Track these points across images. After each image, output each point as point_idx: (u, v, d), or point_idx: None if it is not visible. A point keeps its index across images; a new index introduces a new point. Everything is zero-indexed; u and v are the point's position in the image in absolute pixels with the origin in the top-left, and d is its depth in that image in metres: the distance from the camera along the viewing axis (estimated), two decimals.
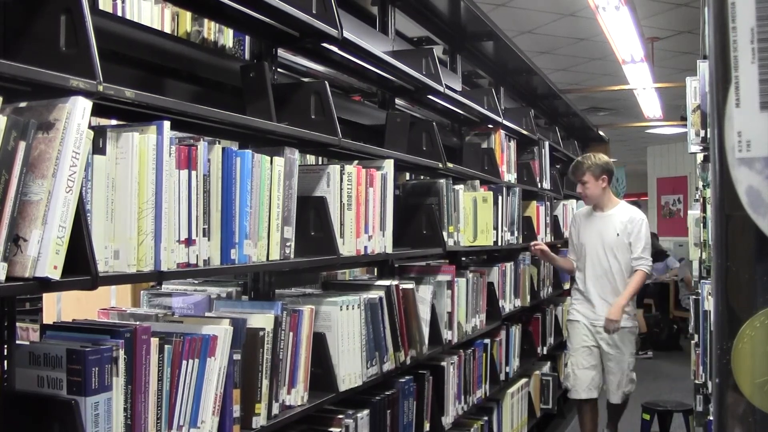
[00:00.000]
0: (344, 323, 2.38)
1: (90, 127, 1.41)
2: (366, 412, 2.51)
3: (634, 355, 4.27)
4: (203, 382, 1.74)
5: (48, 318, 3.45)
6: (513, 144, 4.61)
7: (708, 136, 2.63)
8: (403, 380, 2.80)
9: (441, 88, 3.21)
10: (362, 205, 2.47)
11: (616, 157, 9.67)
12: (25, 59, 1.38)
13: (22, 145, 1.30)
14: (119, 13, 2.77)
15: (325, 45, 2.43)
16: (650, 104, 9.07)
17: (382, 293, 2.64)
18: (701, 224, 4.02)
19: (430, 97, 3.40)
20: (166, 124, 1.62)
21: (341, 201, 2.36)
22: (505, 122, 4.39)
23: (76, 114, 1.36)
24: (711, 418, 2.99)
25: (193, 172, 1.71)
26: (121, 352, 1.54)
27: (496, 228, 3.86)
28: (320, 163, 3.02)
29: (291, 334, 2.11)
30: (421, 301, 2.99)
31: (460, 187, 3.49)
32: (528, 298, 4.74)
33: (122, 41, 1.95)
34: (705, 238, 3.78)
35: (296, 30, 2.30)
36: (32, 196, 1.33)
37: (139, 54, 2.03)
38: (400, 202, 3.14)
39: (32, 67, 1.33)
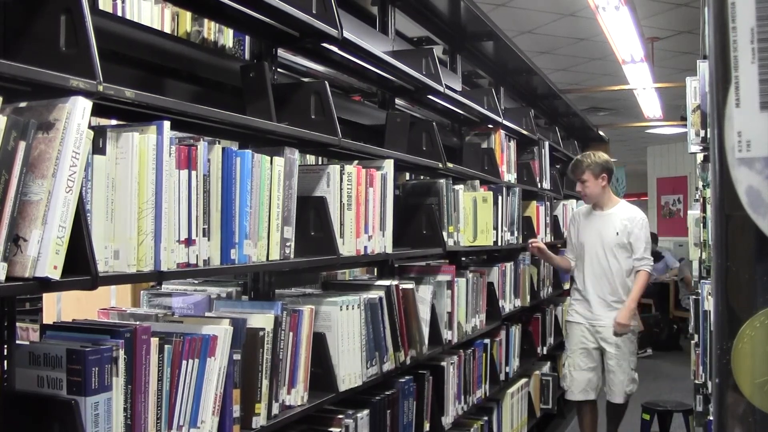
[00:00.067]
0: (344, 323, 2.38)
1: (90, 127, 1.41)
2: (366, 412, 2.51)
3: (635, 354, 4.26)
4: (203, 382, 1.74)
5: (48, 318, 3.44)
6: (513, 144, 4.61)
7: (708, 136, 2.63)
8: (403, 380, 2.80)
9: (441, 88, 3.21)
10: (362, 205, 2.47)
11: (616, 157, 9.66)
12: (25, 59, 1.38)
13: (22, 145, 1.30)
14: (119, 13, 2.77)
15: (325, 45, 2.43)
16: (650, 104, 9.07)
17: (382, 293, 2.64)
18: (701, 224, 4.02)
19: (430, 97, 3.40)
20: (166, 124, 1.62)
21: (341, 201, 2.36)
22: (505, 122, 4.39)
23: (76, 114, 1.36)
24: (711, 418, 2.99)
25: (193, 172, 1.71)
26: (121, 352, 1.54)
27: (496, 228, 3.86)
28: (320, 163, 3.02)
29: (291, 334, 2.11)
30: (421, 301, 2.99)
31: (460, 187, 3.49)
32: (528, 298, 4.74)
33: (122, 41, 1.95)
34: (705, 238, 3.78)
35: (296, 30, 2.30)
36: (32, 196, 1.33)
37: (139, 54, 2.03)
38: (400, 202, 3.14)
39: (32, 67, 1.33)
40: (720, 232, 0.85)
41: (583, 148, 7.78)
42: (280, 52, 2.49)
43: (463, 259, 4.04)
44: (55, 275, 1.33)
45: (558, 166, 6.09)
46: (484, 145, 4.25)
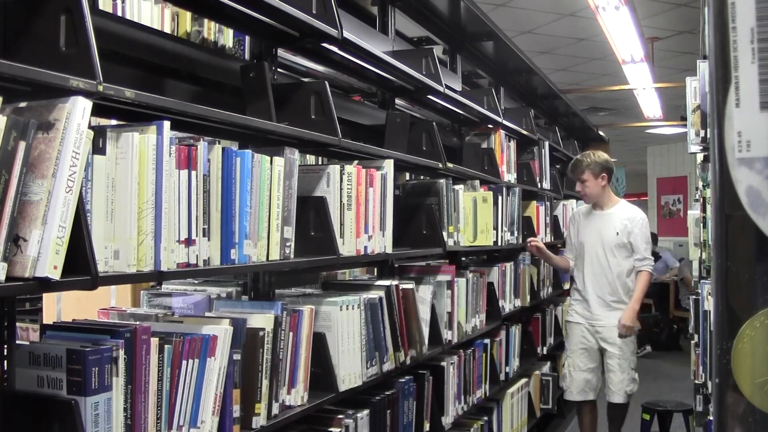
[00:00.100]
0: (344, 323, 2.38)
1: (90, 127, 1.41)
2: (366, 412, 2.51)
3: (635, 353, 4.24)
4: (203, 382, 1.74)
5: (48, 318, 3.44)
6: (513, 144, 4.61)
7: (708, 136, 2.63)
8: (403, 380, 2.80)
9: (441, 88, 3.21)
10: (362, 205, 2.47)
11: (616, 157, 9.66)
12: (25, 59, 1.38)
13: (22, 145, 1.30)
14: (119, 13, 2.77)
15: (325, 45, 2.43)
16: (650, 104, 9.07)
17: (382, 293, 2.64)
18: (701, 224, 4.01)
19: (430, 97, 3.40)
20: (166, 124, 1.62)
21: (341, 201, 2.36)
22: (505, 122, 4.39)
23: (76, 114, 1.36)
24: (711, 418, 2.99)
25: (193, 172, 1.71)
26: (121, 352, 1.54)
27: (496, 228, 3.86)
28: (320, 163, 3.02)
29: (291, 334, 2.11)
30: (421, 301, 2.99)
31: (460, 187, 3.49)
32: (528, 298, 4.74)
33: (122, 41, 1.95)
34: (705, 238, 3.78)
35: (296, 30, 2.30)
36: (32, 196, 1.33)
37: (139, 54, 2.03)
38: (400, 202, 3.14)
39: (32, 67, 1.33)
40: (720, 232, 0.85)
41: (583, 148, 7.78)
42: (280, 52, 2.49)
43: (463, 259, 4.04)
44: (55, 275, 1.33)
45: (558, 166, 6.09)
46: (484, 145, 4.25)
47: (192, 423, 1.72)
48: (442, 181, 3.26)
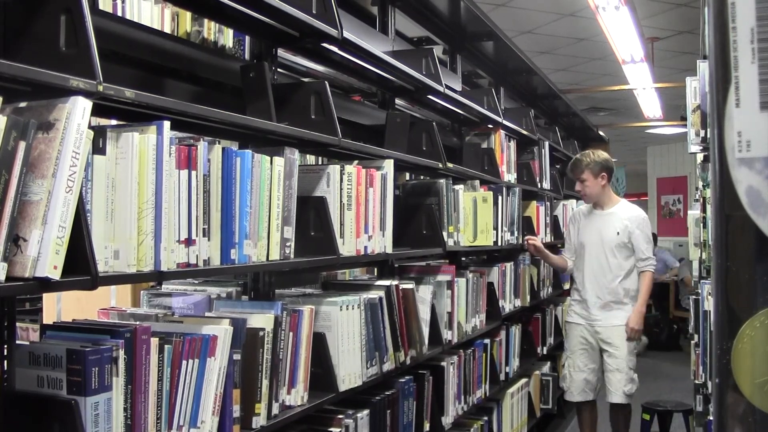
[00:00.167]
0: (344, 323, 2.38)
1: (90, 127, 1.41)
2: (366, 412, 2.51)
3: (634, 353, 4.22)
4: (203, 382, 1.74)
5: (48, 318, 3.44)
6: (513, 144, 4.61)
7: (708, 136, 2.63)
8: (403, 380, 2.80)
9: (441, 88, 3.21)
10: (362, 205, 2.47)
11: (616, 157, 9.66)
12: (25, 59, 1.38)
13: (22, 145, 1.30)
14: (119, 13, 2.77)
15: (325, 45, 2.43)
16: (650, 104, 9.07)
17: (382, 293, 2.64)
18: (701, 224, 4.01)
19: (430, 97, 3.40)
20: (166, 124, 1.62)
21: (341, 201, 2.36)
22: (505, 122, 4.39)
23: (76, 114, 1.36)
24: (711, 418, 2.99)
25: (193, 172, 1.71)
26: (121, 352, 1.54)
27: (496, 228, 3.86)
28: (320, 163, 3.02)
29: (291, 334, 2.11)
30: (421, 301, 2.99)
31: (460, 187, 3.49)
32: (528, 298, 4.73)
33: (122, 41, 1.95)
34: (705, 238, 3.78)
35: (296, 30, 2.30)
36: (32, 196, 1.33)
37: (139, 54, 2.03)
38: (400, 202, 3.14)
39: (32, 67, 1.33)
40: (720, 232, 0.85)
41: (583, 148, 7.77)
42: (280, 52, 2.49)
43: (463, 259, 4.04)
44: (55, 275, 1.33)
45: (558, 166, 6.09)
46: (484, 145, 4.25)
47: (192, 423, 1.72)
48: (442, 181, 3.26)
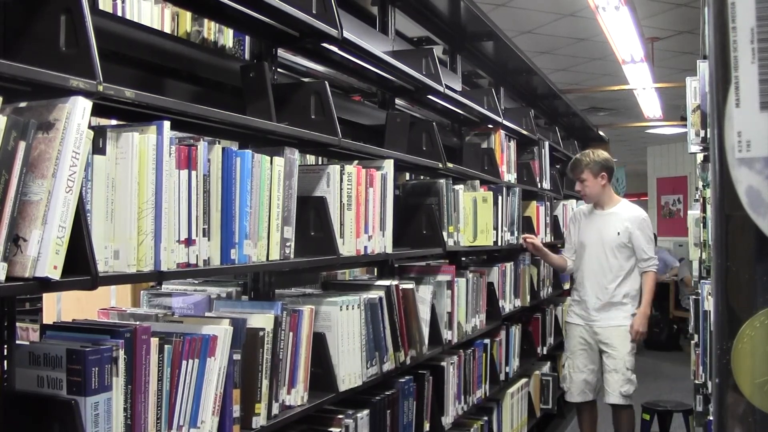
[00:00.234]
0: (344, 323, 2.38)
1: (90, 127, 1.41)
2: (366, 412, 2.51)
3: (632, 354, 4.18)
4: (203, 382, 1.74)
5: (48, 318, 3.44)
6: (513, 144, 4.61)
7: (708, 136, 2.63)
8: (403, 380, 2.80)
9: (441, 88, 3.21)
10: (362, 205, 2.47)
11: (616, 157, 9.65)
12: (25, 59, 1.38)
13: (22, 145, 1.30)
14: (119, 13, 2.77)
15: (325, 45, 2.43)
16: (650, 104, 9.07)
17: (382, 293, 2.64)
18: (701, 224, 4.01)
19: (430, 97, 3.40)
20: (166, 124, 1.62)
21: (341, 201, 2.36)
22: (505, 122, 4.39)
23: (76, 114, 1.36)
24: (711, 418, 2.99)
25: (193, 172, 1.71)
26: (121, 352, 1.54)
27: (496, 228, 3.86)
28: (320, 163, 3.02)
29: (291, 334, 2.11)
30: (421, 301, 2.99)
31: (460, 187, 3.49)
32: (528, 298, 4.73)
33: (122, 41, 1.95)
34: (705, 238, 3.77)
35: (296, 30, 2.30)
36: (32, 196, 1.33)
37: (139, 54, 2.03)
38: (400, 202, 3.14)
39: (32, 67, 1.33)
40: (720, 232, 0.84)
41: (583, 148, 7.77)
42: (280, 52, 2.49)
43: (463, 259, 4.04)
44: (55, 275, 1.33)
45: (558, 166, 6.09)
46: (484, 145, 4.25)
47: (192, 423, 1.72)
48: (442, 181, 3.26)
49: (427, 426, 2.97)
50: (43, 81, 1.34)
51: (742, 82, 0.81)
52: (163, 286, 2.53)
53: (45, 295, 3.45)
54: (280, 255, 2.05)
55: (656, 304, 9.13)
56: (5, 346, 1.51)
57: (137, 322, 1.76)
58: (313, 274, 3.03)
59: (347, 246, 2.39)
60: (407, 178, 3.77)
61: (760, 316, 0.81)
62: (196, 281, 2.53)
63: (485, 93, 4.36)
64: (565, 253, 4.55)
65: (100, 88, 1.43)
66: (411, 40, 4.04)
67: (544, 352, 5.20)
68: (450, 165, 3.28)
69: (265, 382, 1.96)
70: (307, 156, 3.02)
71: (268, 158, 1.99)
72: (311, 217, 2.27)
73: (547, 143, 5.38)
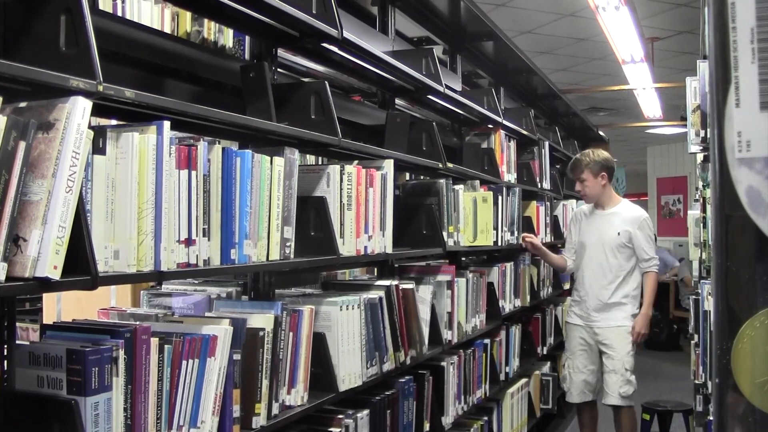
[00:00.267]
0: (344, 323, 2.38)
1: (90, 127, 1.41)
2: (366, 412, 2.51)
3: (631, 355, 4.15)
4: (203, 382, 1.74)
5: (48, 318, 3.45)
6: (513, 144, 4.61)
7: (708, 136, 2.63)
8: (403, 380, 2.80)
9: (441, 88, 3.21)
10: (362, 205, 2.47)
11: (616, 157, 9.64)
12: (25, 59, 1.38)
13: (22, 145, 1.30)
14: (119, 13, 2.77)
15: (325, 45, 2.43)
16: (650, 104, 9.07)
17: (382, 293, 2.64)
18: (701, 224, 4.01)
19: (430, 97, 3.40)
20: (166, 124, 1.62)
21: (341, 201, 2.36)
22: (505, 122, 4.39)
23: (76, 114, 1.36)
24: (711, 418, 2.99)
25: (193, 172, 1.71)
26: (121, 352, 1.54)
27: (496, 228, 3.85)
28: (320, 163, 3.02)
29: (291, 334, 2.11)
30: (421, 301, 2.99)
31: (460, 187, 3.49)
32: (528, 298, 4.73)
33: (122, 41, 1.95)
34: (705, 238, 3.77)
35: (296, 30, 2.30)
36: (32, 196, 1.33)
37: (139, 54, 2.03)
38: (400, 202, 3.14)
39: (32, 67, 1.33)
40: (720, 232, 0.84)
41: (583, 148, 7.76)
42: (280, 52, 2.49)
43: (463, 259, 4.04)
44: (55, 275, 1.33)
45: (558, 166, 6.09)
46: (484, 145, 4.25)
47: (192, 423, 1.72)
48: (442, 181, 3.26)
49: (427, 426, 2.97)
50: (43, 81, 1.34)
51: (742, 82, 0.81)
52: (163, 286, 2.53)
53: (45, 295, 3.45)
54: (280, 255, 2.05)
55: (656, 304, 9.14)
56: (5, 346, 1.51)
57: (137, 322, 1.76)
58: (313, 274, 3.03)
59: (347, 246, 2.39)
60: (407, 178, 3.77)
61: (760, 316, 0.81)
62: (196, 281, 2.53)
63: (485, 93, 4.36)
64: (566, 253, 4.54)
65: (100, 88, 1.43)
66: (411, 40, 4.04)
67: (544, 352, 5.20)
68: (450, 165, 3.28)
69: (265, 382, 1.96)
70: (307, 156, 3.02)
71: (268, 158, 1.99)
72: (311, 217, 2.27)
73: (547, 143, 5.38)
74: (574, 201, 6.12)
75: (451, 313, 3.26)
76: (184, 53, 2.22)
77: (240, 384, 1.86)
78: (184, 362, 1.70)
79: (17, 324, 1.55)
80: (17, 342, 1.54)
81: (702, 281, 3.54)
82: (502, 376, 4.11)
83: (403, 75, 2.94)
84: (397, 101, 3.50)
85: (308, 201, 2.27)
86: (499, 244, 3.95)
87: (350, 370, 2.39)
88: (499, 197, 3.94)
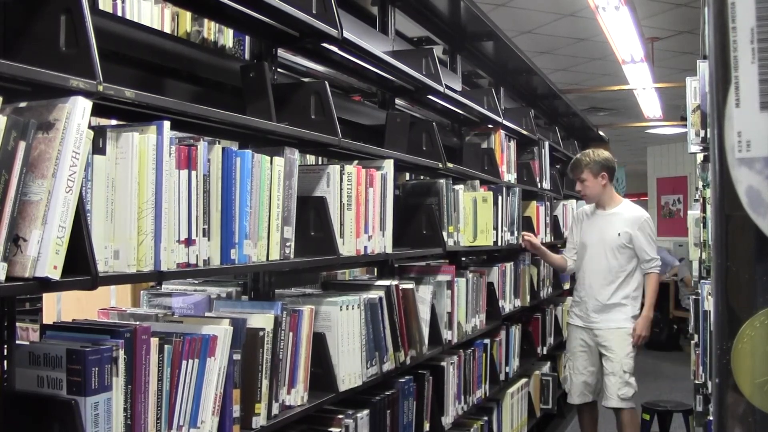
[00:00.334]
0: (344, 323, 2.38)
1: (90, 127, 1.41)
2: (366, 412, 2.51)
3: (630, 357, 4.12)
4: (203, 382, 1.74)
5: (48, 318, 3.44)
6: (513, 144, 4.61)
7: (708, 136, 2.63)
8: (403, 380, 2.80)
9: (441, 88, 3.21)
10: (362, 205, 2.47)
11: (616, 157, 9.64)
12: (25, 59, 1.38)
13: (22, 145, 1.30)
14: (119, 13, 2.77)
15: (325, 45, 2.43)
16: (650, 104, 9.07)
17: (382, 293, 2.64)
18: (701, 224, 4.00)
19: (430, 97, 3.40)
20: (166, 124, 1.62)
21: (341, 201, 2.36)
22: (505, 122, 4.39)
23: (76, 114, 1.36)
24: (711, 418, 2.99)
25: (193, 172, 1.71)
26: (121, 352, 1.54)
27: (496, 228, 3.85)
28: (320, 163, 3.02)
29: (291, 334, 2.11)
30: (421, 301, 2.99)
31: (460, 187, 3.49)
32: (528, 298, 4.73)
33: (122, 41, 1.95)
34: (705, 238, 3.77)
35: (296, 30, 2.30)
36: (32, 196, 1.33)
37: (139, 54, 2.03)
38: (400, 202, 3.14)
39: (32, 67, 1.33)
40: (720, 232, 0.84)
41: (583, 148, 7.76)
42: (280, 52, 2.49)
43: (463, 259, 4.04)
44: (55, 275, 1.33)
45: (558, 166, 6.09)
46: (484, 145, 4.25)
47: (192, 423, 1.72)
48: (442, 181, 3.26)
49: (427, 426, 2.97)
50: (43, 81, 1.34)
51: (742, 82, 0.81)
52: (163, 286, 2.53)
53: (45, 295, 3.45)
54: (280, 255, 2.05)
55: (657, 304, 9.14)
56: (5, 346, 1.51)
57: (137, 322, 1.76)
58: (313, 274, 3.03)
59: (347, 246, 2.39)
60: (407, 178, 3.77)
61: (760, 316, 0.81)
62: (196, 281, 2.53)
63: (485, 93, 4.36)
64: (566, 253, 4.53)
65: (100, 88, 1.43)
66: (411, 40, 4.04)
67: (544, 352, 5.20)
68: (450, 165, 3.28)
69: (265, 382, 1.96)
70: (307, 156, 3.02)
71: (268, 158, 1.99)
72: (311, 217, 2.27)
73: (547, 143, 5.38)
74: (574, 201, 6.12)
75: (451, 313, 3.26)
76: (184, 53, 2.22)
77: (240, 384, 1.86)
78: (184, 362, 1.70)
79: (17, 324, 1.55)
80: (17, 342, 1.54)
81: (702, 281, 3.54)
82: (502, 376, 4.11)
83: (403, 75, 2.94)
84: (397, 101, 3.50)
85: (308, 201, 2.27)
86: (499, 244, 3.95)
87: (350, 370, 2.39)
88: (499, 197, 3.93)
